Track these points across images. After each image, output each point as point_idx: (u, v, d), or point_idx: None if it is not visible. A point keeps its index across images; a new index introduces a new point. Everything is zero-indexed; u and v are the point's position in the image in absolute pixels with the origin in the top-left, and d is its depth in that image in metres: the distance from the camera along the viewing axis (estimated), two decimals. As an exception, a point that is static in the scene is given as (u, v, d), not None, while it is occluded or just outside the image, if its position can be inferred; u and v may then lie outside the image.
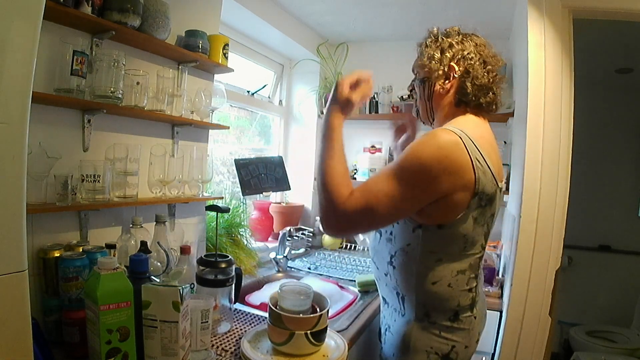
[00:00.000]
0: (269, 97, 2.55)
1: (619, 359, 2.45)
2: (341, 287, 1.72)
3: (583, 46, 1.68)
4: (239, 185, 1.50)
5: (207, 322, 0.96)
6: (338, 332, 1.17)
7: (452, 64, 0.99)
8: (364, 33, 2.49)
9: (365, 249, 2.27)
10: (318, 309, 1.02)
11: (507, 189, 2.03)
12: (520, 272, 1.55)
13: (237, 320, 1.27)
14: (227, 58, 1.56)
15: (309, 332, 0.96)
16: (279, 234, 2.03)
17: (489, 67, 0.99)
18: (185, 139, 1.51)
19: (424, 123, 1.12)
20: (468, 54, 0.98)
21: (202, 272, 1.15)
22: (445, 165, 0.86)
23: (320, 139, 1.00)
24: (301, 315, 0.98)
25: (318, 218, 2.54)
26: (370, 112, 2.52)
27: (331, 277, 1.86)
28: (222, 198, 1.65)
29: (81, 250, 1.05)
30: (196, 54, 1.41)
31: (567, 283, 3.01)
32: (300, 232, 2.25)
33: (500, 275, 1.93)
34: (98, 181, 1.11)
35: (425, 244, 0.96)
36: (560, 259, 1.54)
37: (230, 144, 2.26)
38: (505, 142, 2.16)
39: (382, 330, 1.14)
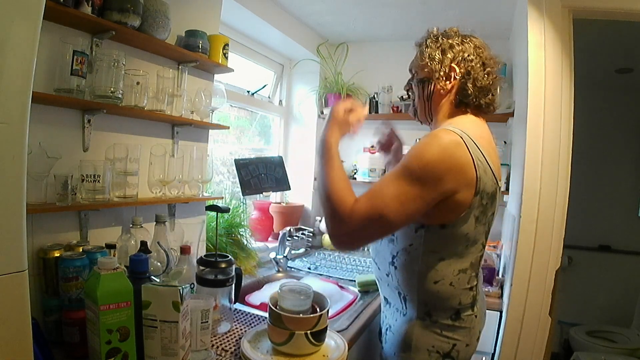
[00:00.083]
0: (269, 97, 2.55)
1: (619, 359, 2.45)
2: (341, 287, 1.72)
3: (583, 46, 1.68)
4: (239, 185, 1.50)
5: (207, 322, 0.96)
6: (338, 332, 1.17)
7: (453, 65, 0.99)
8: (364, 33, 2.49)
9: (366, 249, 2.27)
10: (318, 309, 1.02)
11: (507, 189, 2.03)
12: (520, 272, 1.55)
13: (237, 320, 1.27)
14: (227, 58, 1.56)
15: (309, 332, 0.96)
16: (279, 234, 2.03)
17: (489, 69, 1.00)
18: (185, 139, 1.51)
19: (421, 123, 1.12)
20: (468, 55, 0.99)
21: (202, 272, 1.15)
22: (450, 164, 0.87)
23: (318, 157, 1.00)
24: (301, 315, 0.98)
25: (320, 219, 2.54)
26: (370, 112, 2.53)
27: (331, 277, 1.86)
28: (222, 198, 1.65)
29: (81, 250, 1.05)
30: (196, 54, 1.41)
31: (567, 283, 3.01)
32: (300, 232, 2.25)
33: (500, 275, 1.93)
34: (98, 181, 1.11)
35: (427, 243, 0.96)
36: (560, 259, 1.54)
37: (230, 144, 2.26)
38: (505, 142, 2.16)
39: (383, 330, 1.14)
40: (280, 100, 2.63)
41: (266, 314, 1.03)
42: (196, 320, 0.94)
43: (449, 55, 1.00)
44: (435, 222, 0.93)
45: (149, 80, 1.27)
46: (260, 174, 1.57)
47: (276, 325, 0.97)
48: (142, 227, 1.21)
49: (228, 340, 1.12)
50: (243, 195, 1.52)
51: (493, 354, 1.71)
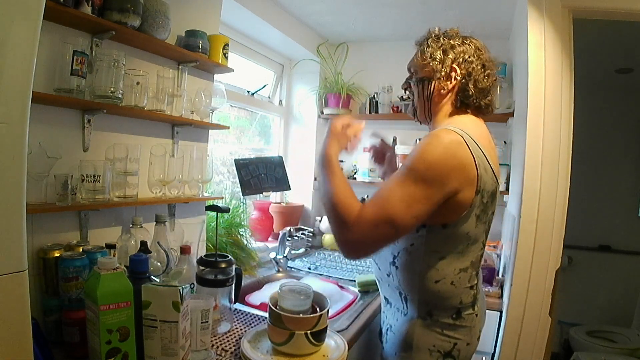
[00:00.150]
0: (269, 97, 2.55)
1: (619, 359, 2.46)
2: (341, 287, 1.72)
3: (583, 46, 1.68)
4: (239, 185, 1.50)
5: (207, 322, 0.96)
6: (338, 332, 1.17)
7: (454, 65, 1.00)
8: (364, 33, 2.49)
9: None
10: (318, 309, 1.02)
11: (507, 189, 2.03)
12: (520, 272, 1.55)
13: (237, 320, 1.27)
14: (227, 58, 1.56)
15: (309, 332, 0.96)
16: (279, 234, 2.03)
17: (488, 70, 1.01)
18: (185, 139, 1.51)
19: (420, 123, 1.13)
20: (469, 57, 1.00)
21: (202, 272, 1.15)
22: (453, 164, 0.88)
23: (320, 170, 1.00)
24: (301, 315, 0.98)
25: (320, 219, 2.54)
26: (370, 112, 2.53)
27: (331, 277, 1.86)
28: (222, 198, 1.65)
29: (81, 250, 1.05)
30: (196, 54, 1.41)
31: (567, 283, 3.01)
32: (300, 232, 2.25)
33: (500, 275, 1.93)
34: (98, 181, 1.11)
35: (429, 243, 0.97)
36: (560, 259, 1.54)
37: (230, 144, 2.26)
38: (505, 142, 2.16)
39: (384, 330, 1.15)
40: (280, 100, 2.63)
41: (266, 314, 1.03)
42: (196, 320, 0.94)
43: (450, 56, 1.00)
44: (437, 221, 0.94)
45: (149, 80, 1.27)
46: (260, 174, 1.57)
47: (276, 325, 0.97)
48: (142, 227, 1.21)
49: (228, 340, 1.12)
50: (243, 195, 1.52)
51: (493, 354, 1.71)
